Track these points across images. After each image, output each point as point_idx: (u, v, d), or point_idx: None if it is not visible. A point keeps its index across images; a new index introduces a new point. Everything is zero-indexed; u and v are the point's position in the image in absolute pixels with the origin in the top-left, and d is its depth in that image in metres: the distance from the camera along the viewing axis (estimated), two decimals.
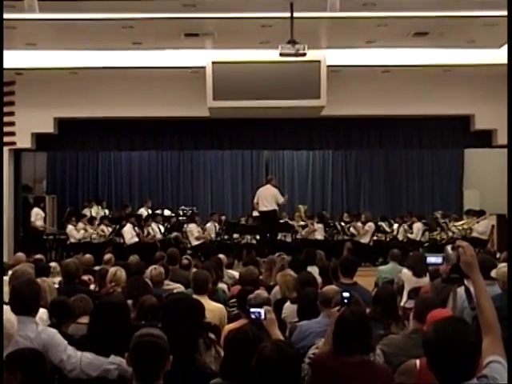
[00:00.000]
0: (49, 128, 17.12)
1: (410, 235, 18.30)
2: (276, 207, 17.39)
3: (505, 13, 11.74)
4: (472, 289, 3.70)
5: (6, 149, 16.45)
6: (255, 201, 17.57)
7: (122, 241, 17.86)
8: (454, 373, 3.30)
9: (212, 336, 5.55)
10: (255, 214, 18.88)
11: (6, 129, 16.33)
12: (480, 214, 18.10)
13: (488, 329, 3.54)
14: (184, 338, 4.70)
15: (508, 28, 9.23)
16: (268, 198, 17.20)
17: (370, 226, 18.29)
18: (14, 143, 16.76)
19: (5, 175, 16.48)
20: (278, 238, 18.16)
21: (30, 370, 4.27)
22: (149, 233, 18.10)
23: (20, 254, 11.48)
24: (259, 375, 3.91)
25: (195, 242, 17.87)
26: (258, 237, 18.03)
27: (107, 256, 11.69)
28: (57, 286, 8.53)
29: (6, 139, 16.35)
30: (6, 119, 16.21)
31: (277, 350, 3.94)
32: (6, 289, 7.41)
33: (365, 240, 18.12)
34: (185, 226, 18.69)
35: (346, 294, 5.44)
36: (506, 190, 17.40)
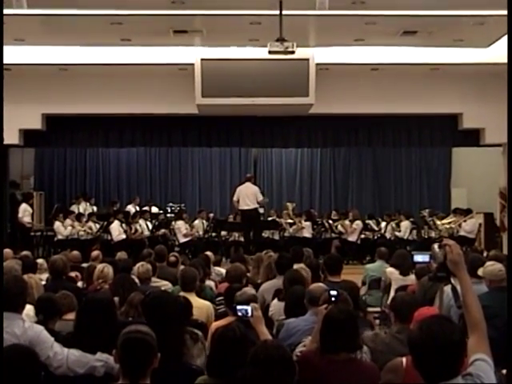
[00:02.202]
0: (37, 124, 17.08)
1: (397, 233, 18.32)
2: (257, 205, 17.41)
3: (493, 12, 11.84)
4: (459, 287, 3.71)
5: None
6: (235, 199, 17.56)
7: (109, 237, 17.84)
8: (439, 371, 3.31)
9: (196, 331, 5.55)
10: None
11: None
12: (467, 212, 18.15)
13: (474, 327, 3.55)
14: (169, 335, 4.70)
15: (508, 27, 9.23)
16: (249, 196, 17.20)
17: (358, 224, 18.32)
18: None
19: None
20: (266, 235, 18.19)
21: (18, 368, 4.24)
22: (136, 230, 18.08)
23: (7, 251, 11.41)
24: (256, 372, 3.93)
25: (183, 239, 17.85)
26: None
27: (95, 253, 11.66)
28: (44, 282, 8.51)
29: None
30: None
31: (275, 349, 3.98)
32: None
33: (352, 238, 18.14)
34: (173, 223, 18.66)
35: (333, 293, 5.45)
36: (494, 188, 17.49)
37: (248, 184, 17.60)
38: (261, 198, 17.46)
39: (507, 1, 8.70)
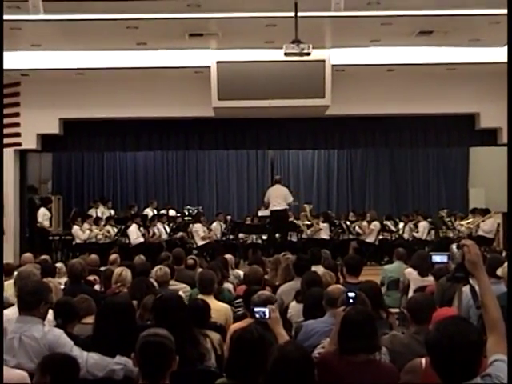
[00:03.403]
0: (54, 129, 17.14)
1: (415, 234, 18.27)
2: (287, 206, 17.45)
3: None
4: (477, 287, 3.70)
5: (11, 150, 16.50)
6: (266, 200, 17.64)
7: (127, 241, 17.86)
8: (457, 372, 3.30)
9: (205, 332, 5.57)
10: (261, 213, 18.89)
11: (12, 130, 16.39)
12: (485, 212, 18.07)
13: (492, 327, 3.54)
14: (179, 337, 4.72)
15: (508, 28, 9.19)
16: (279, 197, 17.24)
17: (376, 225, 18.28)
18: (19, 144, 16.79)
19: (10, 176, 16.53)
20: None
21: (61, 374, 4.29)
22: (154, 233, 18.12)
23: (28, 255, 11.48)
24: (278, 375, 3.96)
25: (201, 242, 17.86)
26: (264, 236, 18.03)
27: (113, 256, 11.70)
28: (63, 286, 8.55)
29: (11, 140, 16.40)
30: (11, 120, 16.28)
31: (297, 350, 4.01)
32: (12, 291, 7.43)
33: (370, 239, 18.12)
34: (190, 225, 18.67)
35: (351, 294, 5.44)
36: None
37: (278, 186, 17.69)
38: (291, 199, 17.54)
39: (507, 1, 8.67)
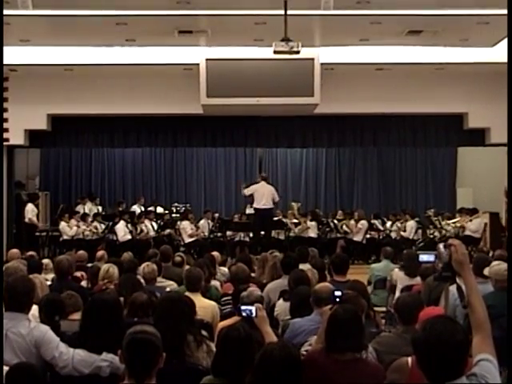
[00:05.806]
0: (42, 125, 17.08)
1: (403, 233, 18.30)
2: (273, 205, 17.44)
3: (498, 11, 11.83)
4: (464, 287, 3.71)
5: None
6: (247, 193, 17.63)
7: (114, 238, 17.84)
8: (442, 371, 3.30)
9: (204, 333, 5.55)
10: (248, 211, 18.90)
11: None
12: (473, 212, 18.11)
13: (478, 327, 3.55)
14: (174, 335, 4.71)
15: (508, 27, 9.22)
16: (266, 195, 17.21)
17: (363, 223, 18.31)
18: (7, 140, 16.70)
19: None
20: (272, 235, 18.16)
21: None
22: (142, 230, 18.10)
23: (14, 251, 11.43)
24: (263, 374, 3.97)
25: (188, 240, 17.85)
26: (251, 234, 18.02)
27: (100, 253, 11.69)
28: (49, 282, 8.53)
29: None
30: None
31: (282, 350, 4.01)
32: None
33: (358, 238, 18.14)
34: (178, 223, 18.65)
35: (337, 293, 5.45)
36: (499, 188, 17.48)
37: (264, 183, 17.64)
38: (278, 198, 17.55)
39: (507, 1, 8.69)
